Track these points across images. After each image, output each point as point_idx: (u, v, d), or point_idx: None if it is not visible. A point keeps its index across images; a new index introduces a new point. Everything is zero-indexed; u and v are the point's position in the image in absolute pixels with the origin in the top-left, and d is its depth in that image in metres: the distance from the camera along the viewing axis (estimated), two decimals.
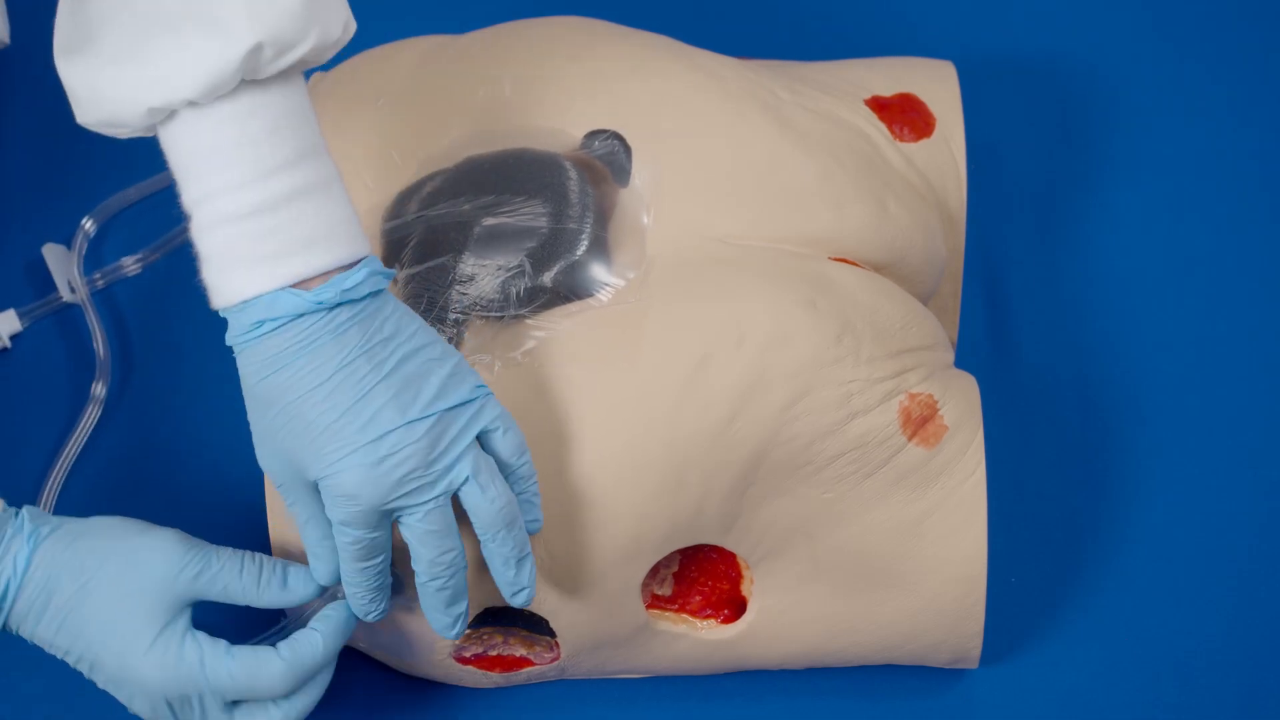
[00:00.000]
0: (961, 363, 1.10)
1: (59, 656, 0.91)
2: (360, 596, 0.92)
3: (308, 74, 0.92)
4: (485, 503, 0.89)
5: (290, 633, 0.94)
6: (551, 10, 1.09)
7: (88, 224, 1.16)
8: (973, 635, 0.99)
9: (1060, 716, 1.04)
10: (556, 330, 0.96)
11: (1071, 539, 1.08)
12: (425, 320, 0.90)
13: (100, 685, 0.91)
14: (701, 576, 1.00)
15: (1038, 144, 1.22)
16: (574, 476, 0.94)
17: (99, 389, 1.11)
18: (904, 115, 1.06)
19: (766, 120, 1.01)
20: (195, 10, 0.83)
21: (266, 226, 0.85)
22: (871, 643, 1.00)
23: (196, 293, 1.15)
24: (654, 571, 0.99)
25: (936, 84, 1.08)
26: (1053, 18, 1.27)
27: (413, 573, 0.91)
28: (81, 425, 1.10)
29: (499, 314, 0.96)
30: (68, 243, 1.16)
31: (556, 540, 0.94)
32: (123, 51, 0.85)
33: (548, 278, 0.96)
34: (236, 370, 1.12)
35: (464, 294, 0.96)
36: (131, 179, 1.18)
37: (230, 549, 0.93)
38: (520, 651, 0.99)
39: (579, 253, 0.97)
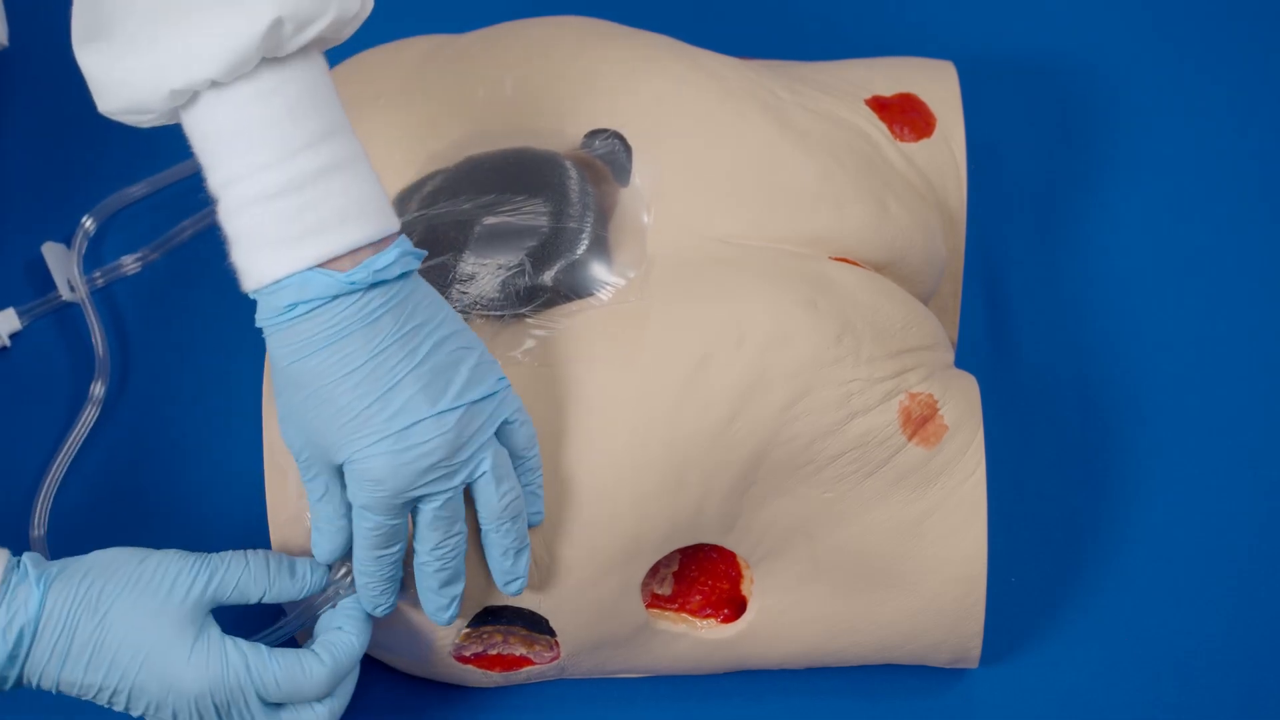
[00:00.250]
0: (961, 363, 1.10)
1: (88, 697, 0.89)
2: (372, 587, 0.92)
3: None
4: (496, 496, 0.90)
5: (289, 631, 0.94)
6: (551, 10, 1.09)
7: (88, 222, 1.16)
8: (973, 635, 0.99)
9: (1060, 716, 1.04)
10: (557, 329, 0.96)
11: (1071, 539, 1.08)
12: None
13: (139, 713, 0.90)
14: (702, 576, 1.00)
15: (1038, 144, 1.22)
16: (574, 475, 0.94)
17: (98, 388, 1.11)
18: (904, 115, 1.06)
19: (767, 120, 1.01)
20: None
21: (294, 206, 0.85)
22: (871, 643, 1.00)
23: (196, 291, 1.16)
24: (654, 571, 0.99)
25: (937, 84, 1.08)
26: (1053, 18, 1.27)
27: (411, 570, 0.91)
28: (80, 424, 1.10)
29: (499, 313, 0.96)
30: (67, 241, 1.16)
31: (557, 539, 0.94)
32: (142, 35, 0.84)
33: (548, 277, 0.96)
34: (236, 370, 1.12)
35: (464, 293, 0.96)
36: (132, 177, 1.18)
37: (230, 551, 0.93)
38: (520, 651, 0.99)
39: (579, 252, 0.97)
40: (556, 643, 0.98)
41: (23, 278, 1.16)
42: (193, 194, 1.17)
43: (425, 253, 0.89)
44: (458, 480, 0.89)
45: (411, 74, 1.05)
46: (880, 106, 1.06)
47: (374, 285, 0.86)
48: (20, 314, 1.14)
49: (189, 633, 0.89)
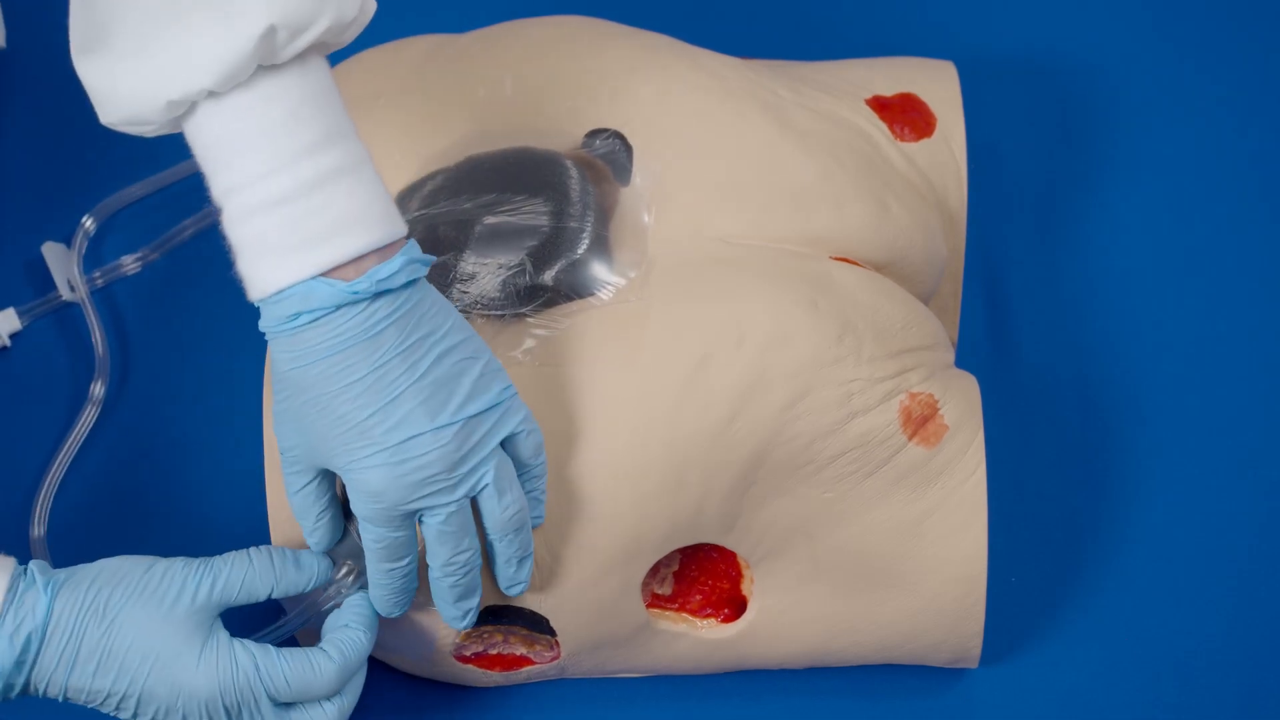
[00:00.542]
0: (961, 363, 1.10)
1: (96, 704, 0.89)
2: (386, 599, 0.92)
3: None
4: (499, 509, 0.90)
5: (290, 629, 0.94)
6: (551, 10, 1.09)
7: (88, 222, 1.16)
8: (973, 635, 0.99)
9: (1060, 716, 1.04)
10: (557, 329, 0.96)
11: (1071, 539, 1.08)
12: None
13: (149, 718, 0.90)
14: (702, 576, 1.00)
15: (1038, 144, 1.22)
16: (575, 475, 0.94)
17: (98, 388, 1.11)
18: (905, 115, 1.06)
19: (767, 120, 1.01)
20: None
21: (295, 214, 0.84)
22: (871, 643, 1.00)
23: (196, 291, 1.16)
24: (654, 570, 0.99)
25: (937, 84, 1.08)
26: (1053, 18, 1.27)
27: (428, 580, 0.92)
28: (80, 424, 1.10)
29: (500, 312, 0.96)
30: (67, 241, 1.16)
31: (557, 539, 0.94)
32: (136, 46, 0.84)
33: (549, 276, 0.96)
34: (236, 369, 1.12)
35: (465, 292, 0.96)
36: (132, 177, 1.18)
37: (232, 552, 0.93)
38: (520, 650, 0.99)
39: (580, 251, 0.97)
40: (557, 642, 0.98)
41: (23, 278, 1.16)
42: (193, 194, 1.17)
43: (432, 258, 0.88)
44: (459, 494, 0.88)
45: (412, 74, 1.05)
46: (880, 106, 1.06)
47: (379, 294, 0.86)
48: (20, 314, 1.14)
49: (197, 637, 0.89)
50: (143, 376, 1.13)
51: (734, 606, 1.00)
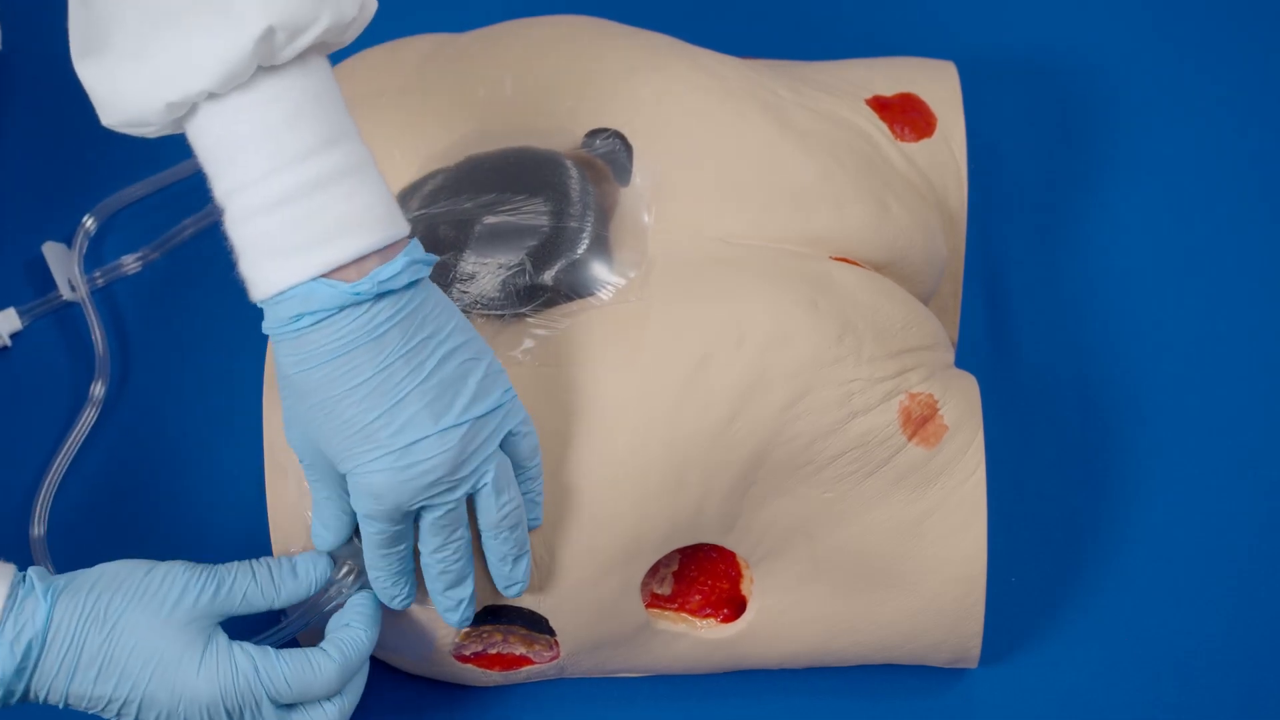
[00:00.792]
0: (961, 363, 1.10)
1: (97, 710, 0.89)
2: (384, 581, 0.92)
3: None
4: (496, 507, 0.90)
5: (292, 631, 0.94)
6: (551, 10, 1.09)
7: (88, 222, 1.16)
8: (972, 635, 0.99)
9: (1060, 716, 1.04)
10: (557, 329, 0.96)
11: (1071, 539, 1.08)
12: None
13: None
14: (701, 576, 1.00)
15: (1038, 144, 1.22)
16: (574, 475, 0.94)
17: (98, 388, 1.11)
18: (905, 115, 1.06)
19: (767, 120, 1.01)
20: (202, 0, 0.83)
21: (297, 215, 0.84)
22: (871, 643, 1.00)
23: (196, 291, 1.16)
24: (654, 570, 0.99)
25: (937, 84, 1.08)
26: (1053, 18, 1.27)
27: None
28: (80, 424, 1.10)
29: (499, 312, 0.96)
30: (68, 241, 1.16)
31: (557, 539, 0.94)
32: (135, 49, 0.84)
33: (548, 276, 0.96)
34: (236, 370, 1.12)
35: (465, 292, 0.96)
36: (132, 177, 1.18)
37: (235, 562, 0.93)
38: (520, 650, 0.99)
39: (580, 251, 0.97)
40: (556, 642, 0.98)
41: (23, 277, 1.16)
42: (193, 194, 1.17)
43: (435, 258, 0.88)
44: (460, 493, 0.89)
45: (412, 73, 1.05)
46: (881, 106, 1.06)
47: (381, 296, 0.86)
48: (21, 314, 1.14)
49: (198, 642, 0.89)
50: (143, 376, 1.13)
51: (733, 606, 1.00)
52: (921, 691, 1.04)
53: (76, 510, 1.09)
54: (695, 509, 0.95)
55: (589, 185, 0.98)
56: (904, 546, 0.97)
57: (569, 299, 0.96)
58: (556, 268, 0.96)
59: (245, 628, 0.94)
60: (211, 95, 0.84)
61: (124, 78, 0.85)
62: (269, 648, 0.91)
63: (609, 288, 0.97)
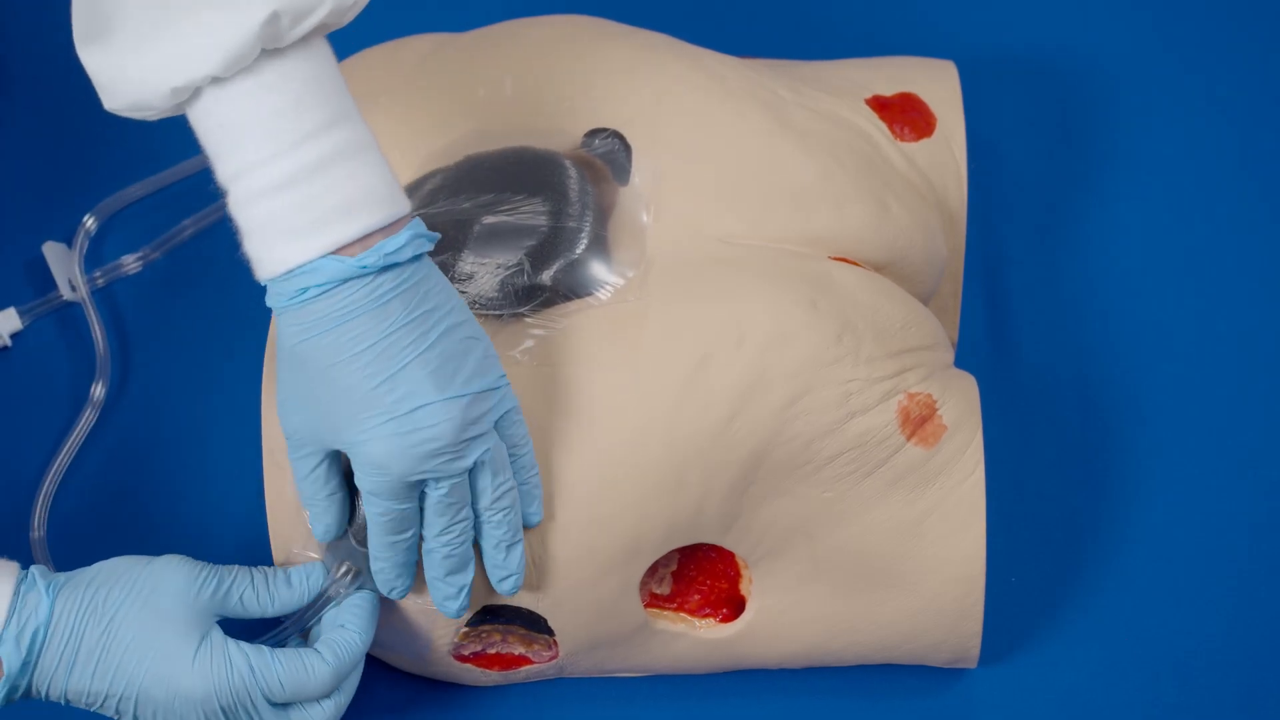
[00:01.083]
0: (961, 363, 1.10)
1: (95, 706, 0.90)
2: (387, 571, 0.92)
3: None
4: (491, 486, 0.90)
5: (291, 633, 0.94)
6: (551, 10, 1.09)
7: (89, 222, 1.16)
8: (972, 635, 0.99)
9: (1060, 716, 1.04)
10: (556, 329, 0.96)
11: (1071, 539, 1.08)
12: None
13: None
14: (700, 575, 1.00)
15: (1038, 144, 1.22)
16: (574, 475, 0.94)
17: (98, 388, 1.11)
18: (905, 115, 1.06)
19: (767, 119, 1.01)
20: None
21: (302, 196, 0.85)
22: (871, 643, 1.00)
23: (197, 291, 1.16)
24: (653, 570, 0.99)
25: (937, 83, 1.08)
26: (1053, 17, 1.27)
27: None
28: (80, 425, 1.10)
29: (498, 312, 0.96)
30: (68, 241, 1.16)
31: (556, 539, 0.94)
32: (140, 33, 0.84)
33: (547, 276, 0.96)
34: (236, 370, 1.12)
35: (463, 292, 0.96)
36: (132, 177, 1.18)
37: (235, 565, 0.93)
38: (519, 650, 0.99)
39: (578, 251, 0.97)
40: (555, 642, 0.98)
41: (23, 277, 1.16)
42: (193, 194, 1.17)
43: (438, 235, 0.89)
44: (463, 466, 0.89)
45: (411, 73, 1.05)
46: (881, 106, 1.06)
47: (385, 268, 0.86)
48: (21, 314, 1.15)
49: (193, 637, 0.89)
50: (143, 376, 1.14)
51: (732, 606, 1.00)
52: (921, 691, 1.04)
53: (76, 510, 1.09)
54: (694, 509, 0.95)
55: (588, 185, 0.98)
56: (903, 546, 0.97)
57: (567, 299, 0.96)
58: (555, 268, 0.96)
59: (244, 631, 0.94)
60: (216, 79, 0.84)
61: (128, 63, 0.85)
62: (265, 647, 0.91)
63: (608, 288, 0.97)
